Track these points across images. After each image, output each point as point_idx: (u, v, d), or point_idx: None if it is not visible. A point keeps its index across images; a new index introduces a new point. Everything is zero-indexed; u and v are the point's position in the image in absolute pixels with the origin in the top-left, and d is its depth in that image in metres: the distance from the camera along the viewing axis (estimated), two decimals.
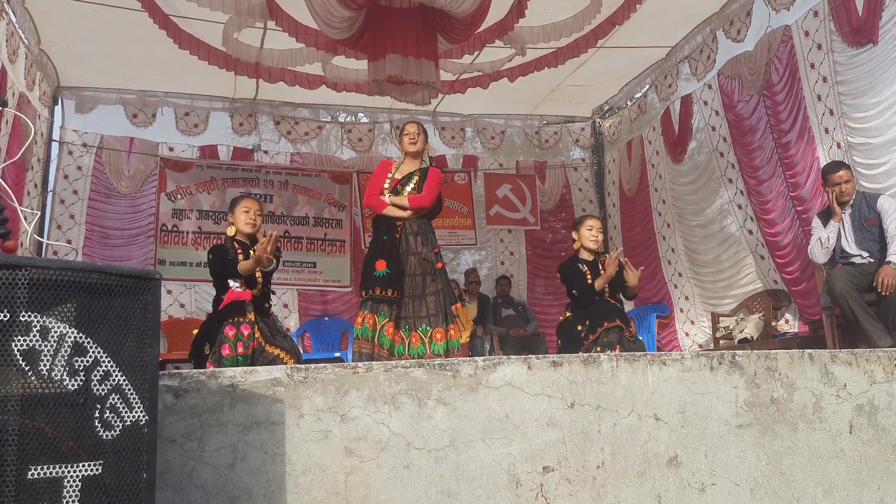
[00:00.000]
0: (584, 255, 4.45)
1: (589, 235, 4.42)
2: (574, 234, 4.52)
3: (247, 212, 3.86)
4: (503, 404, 2.28)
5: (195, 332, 3.80)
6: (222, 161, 7.89)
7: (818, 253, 4.38)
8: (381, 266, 3.92)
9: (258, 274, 3.82)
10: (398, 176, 4.13)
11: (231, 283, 3.70)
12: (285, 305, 7.73)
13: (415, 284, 3.97)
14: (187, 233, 7.60)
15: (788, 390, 2.59)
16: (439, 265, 4.08)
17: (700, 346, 6.91)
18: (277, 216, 7.83)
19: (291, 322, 7.60)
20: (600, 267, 4.40)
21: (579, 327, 4.23)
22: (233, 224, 3.88)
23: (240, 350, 3.56)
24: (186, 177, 7.69)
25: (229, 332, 3.57)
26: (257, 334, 3.64)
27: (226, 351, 3.55)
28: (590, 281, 4.32)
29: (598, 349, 4.01)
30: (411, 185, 4.09)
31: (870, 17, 4.74)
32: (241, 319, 3.61)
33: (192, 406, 2.01)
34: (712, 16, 6.40)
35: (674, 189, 7.35)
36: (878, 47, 4.74)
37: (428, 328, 3.95)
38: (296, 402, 2.09)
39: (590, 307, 4.28)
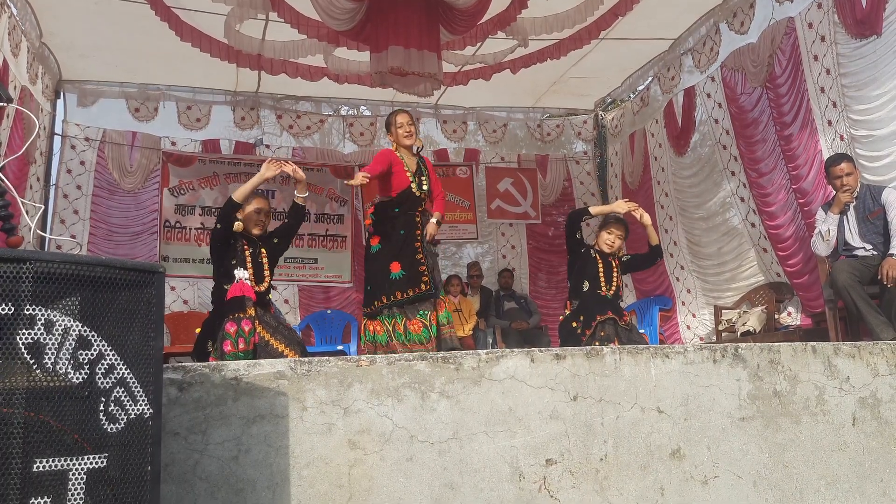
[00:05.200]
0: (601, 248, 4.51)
1: (606, 238, 4.47)
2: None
3: (258, 212, 3.82)
4: (506, 397, 2.28)
5: (198, 330, 3.80)
6: (224, 155, 7.89)
7: (820, 246, 4.37)
8: (395, 268, 3.97)
9: (265, 264, 3.81)
10: (409, 170, 4.17)
11: (237, 273, 3.67)
12: (286, 301, 7.73)
13: (436, 274, 4.11)
14: (190, 229, 7.59)
15: (791, 383, 2.59)
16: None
17: (701, 339, 6.91)
18: (279, 212, 7.82)
19: (291, 318, 7.60)
20: (614, 268, 4.43)
21: (574, 323, 4.26)
22: (240, 221, 3.84)
23: (241, 346, 3.55)
24: (189, 172, 7.68)
25: (230, 328, 3.56)
26: (259, 329, 3.64)
27: (227, 347, 3.55)
28: (602, 277, 4.36)
29: (597, 344, 4.03)
30: (425, 183, 4.17)
31: (873, 8, 4.72)
32: (242, 315, 3.60)
33: (196, 399, 2.01)
34: (715, 7, 6.37)
35: (676, 182, 7.34)
36: (881, 39, 4.71)
37: (425, 312, 3.99)
38: (299, 395, 2.10)
39: (583, 301, 4.31)
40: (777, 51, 5.70)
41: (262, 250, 3.84)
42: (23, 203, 2.44)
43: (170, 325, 6.81)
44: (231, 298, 3.62)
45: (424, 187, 4.14)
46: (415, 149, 4.22)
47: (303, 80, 6.24)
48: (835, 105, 5.17)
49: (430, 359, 2.26)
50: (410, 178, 4.09)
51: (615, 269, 4.44)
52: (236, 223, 3.78)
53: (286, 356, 3.55)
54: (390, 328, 3.94)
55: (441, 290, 4.14)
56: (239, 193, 3.76)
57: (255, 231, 3.81)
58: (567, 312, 4.43)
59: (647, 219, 4.53)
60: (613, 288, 4.37)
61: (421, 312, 3.96)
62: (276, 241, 3.97)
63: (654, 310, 6.92)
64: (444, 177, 8.52)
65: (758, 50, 5.92)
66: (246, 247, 3.77)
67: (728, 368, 2.53)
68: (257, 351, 3.60)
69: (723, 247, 6.76)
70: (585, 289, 4.35)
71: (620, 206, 4.54)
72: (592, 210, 4.61)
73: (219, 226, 3.75)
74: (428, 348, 3.88)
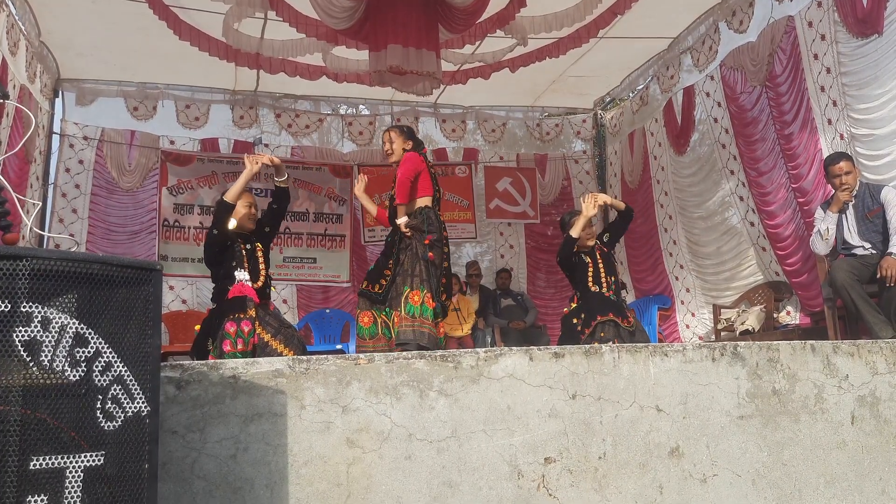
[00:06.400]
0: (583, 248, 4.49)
1: (584, 235, 4.43)
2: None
3: (248, 206, 3.82)
4: (505, 395, 2.28)
5: (197, 327, 3.79)
6: (223, 154, 7.88)
7: (819, 244, 4.37)
8: (370, 265, 4.29)
9: (260, 259, 3.80)
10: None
11: (238, 274, 3.67)
12: (284, 301, 7.72)
13: (403, 272, 4.07)
14: (189, 228, 7.59)
15: (790, 381, 2.59)
16: (429, 253, 4.07)
17: (700, 338, 6.91)
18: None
19: (290, 318, 7.59)
20: (600, 259, 4.41)
21: (575, 320, 4.26)
22: (232, 217, 3.83)
23: (239, 347, 3.55)
24: (188, 171, 7.67)
25: (230, 328, 3.56)
26: (258, 330, 3.63)
27: (227, 347, 3.54)
28: (590, 275, 4.35)
29: (596, 343, 4.03)
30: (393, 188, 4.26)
31: (874, 7, 4.71)
32: (242, 316, 3.60)
33: (193, 397, 2.01)
34: (714, 6, 6.37)
35: (676, 181, 7.34)
36: (882, 38, 4.70)
37: (388, 310, 4.15)
38: (297, 393, 2.09)
39: (588, 300, 4.30)
40: (777, 49, 5.70)
41: (258, 245, 3.84)
42: (19, 200, 2.44)
43: (168, 325, 6.80)
44: (232, 298, 3.62)
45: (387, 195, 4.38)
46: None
47: (301, 78, 6.24)
48: (835, 104, 5.17)
49: (428, 357, 2.25)
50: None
51: (601, 260, 4.40)
52: (231, 225, 3.78)
53: (285, 355, 3.55)
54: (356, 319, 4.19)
55: (409, 286, 4.01)
56: (231, 194, 3.75)
57: (251, 225, 3.82)
58: (573, 306, 4.43)
59: (607, 199, 4.61)
60: (605, 285, 4.33)
61: (376, 308, 4.13)
62: (267, 229, 3.97)
63: (653, 309, 6.92)
64: (443, 176, 8.51)
65: (757, 49, 5.92)
66: (242, 245, 3.76)
67: (727, 367, 2.53)
68: (256, 352, 3.60)
69: (722, 246, 6.76)
70: (593, 290, 4.35)
71: (591, 210, 4.40)
72: (574, 233, 4.38)
73: (215, 231, 3.73)
74: (371, 344, 4.04)
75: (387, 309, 4.10)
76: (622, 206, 4.63)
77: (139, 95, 7.38)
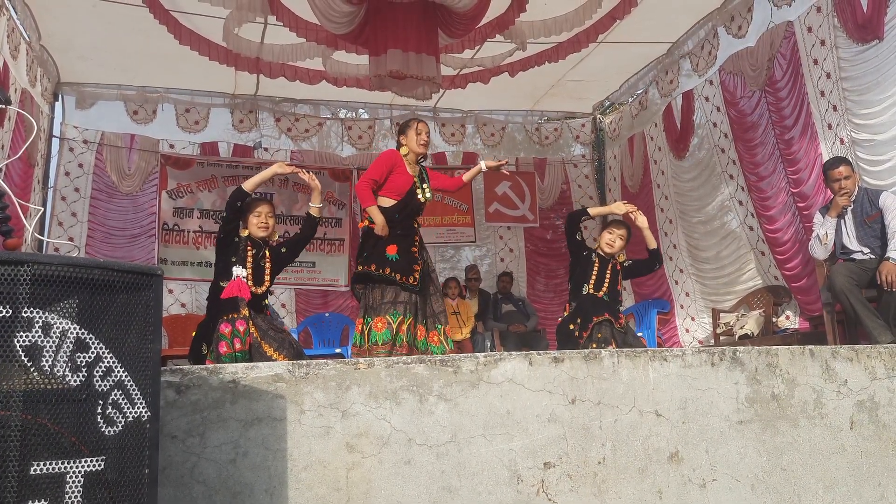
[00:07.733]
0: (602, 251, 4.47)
1: (607, 238, 4.42)
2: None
3: (258, 216, 3.80)
4: (504, 400, 2.28)
5: (193, 334, 3.79)
6: (223, 158, 7.88)
7: (818, 249, 4.38)
8: (392, 251, 3.91)
9: (267, 268, 3.80)
10: (411, 173, 4.09)
11: (236, 270, 3.66)
12: (283, 305, 7.72)
13: (426, 285, 4.05)
14: (188, 232, 7.59)
15: (789, 386, 2.59)
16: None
17: (700, 342, 6.91)
18: (277, 215, 7.78)
19: (289, 322, 7.59)
20: (608, 270, 4.38)
21: (571, 325, 4.26)
22: (245, 227, 3.82)
23: (237, 346, 3.56)
24: (187, 175, 7.68)
25: (225, 329, 3.57)
26: (252, 329, 3.63)
27: (223, 348, 3.55)
28: (593, 278, 4.34)
29: (594, 346, 4.04)
30: (424, 188, 4.13)
31: (875, 12, 4.72)
32: (236, 316, 3.60)
33: (193, 402, 2.01)
34: (713, 11, 6.39)
35: (676, 185, 7.35)
36: (884, 43, 4.71)
37: (440, 326, 3.98)
38: (297, 398, 2.10)
39: (580, 303, 4.30)
40: (776, 54, 5.71)
41: (267, 254, 3.84)
42: (21, 205, 2.44)
43: (167, 328, 6.80)
44: (225, 299, 3.62)
45: (427, 194, 4.12)
46: (421, 159, 4.19)
47: (301, 83, 6.26)
48: (835, 109, 5.18)
49: (428, 362, 2.26)
50: (416, 179, 4.05)
51: (609, 272, 4.37)
52: (242, 228, 3.77)
53: (275, 360, 3.53)
54: (395, 326, 3.85)
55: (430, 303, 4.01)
56: (248, 183, 3.84)
57: (260, 234, 3.80)
58: (565, 314, 4.42)
59: (642, 221, 4.49)
60: (604, 289, 4.32)
61: (393, 312, 3.90)
62: (283, 250, 3.96)
63: (652, 313, 6.91)
64: None
65: (756, 54, 5.94)
66: (249, 248, 3.76)
67: (726, 372, 2.53)
68: (252, 351, 3.60)
69: (721, 250, 6.77)
70: (584, 292, 4.34)
71: (618, 208, 4.57)
72: (591, 211, 4.69)
73: (224, 214, 3.80)
74: (386, 349, 3.81)
75: (393, 311, 3.92)
76: (653, 243, 4.53)
77: (139, 99, 7.39)
